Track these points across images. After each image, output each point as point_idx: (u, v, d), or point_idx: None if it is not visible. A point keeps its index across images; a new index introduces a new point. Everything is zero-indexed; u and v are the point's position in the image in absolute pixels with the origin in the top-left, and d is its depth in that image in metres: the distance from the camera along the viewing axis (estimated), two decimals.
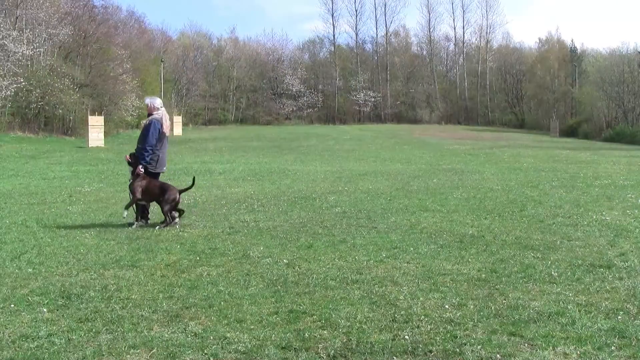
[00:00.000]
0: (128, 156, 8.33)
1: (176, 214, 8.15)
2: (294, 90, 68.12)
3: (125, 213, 8.01)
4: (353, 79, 70.87)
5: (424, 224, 7.98)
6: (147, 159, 8.08)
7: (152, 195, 8.05)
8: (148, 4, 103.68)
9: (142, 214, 8.18)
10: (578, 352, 3.66)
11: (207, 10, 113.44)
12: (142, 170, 8.03)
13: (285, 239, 7.04)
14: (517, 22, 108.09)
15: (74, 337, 3.92)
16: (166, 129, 8.30)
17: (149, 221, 8.19)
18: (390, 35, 75.95)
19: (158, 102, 8.50)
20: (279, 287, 5.06)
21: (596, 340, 3.82)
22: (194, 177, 9.48)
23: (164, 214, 7.97)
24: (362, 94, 69.06)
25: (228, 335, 3.95)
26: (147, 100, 8.50)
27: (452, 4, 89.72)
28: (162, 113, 8.36)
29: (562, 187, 12.44)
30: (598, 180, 13.80)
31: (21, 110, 30.34)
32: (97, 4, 44.91)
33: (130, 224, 7.93)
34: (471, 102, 73.95)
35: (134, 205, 8.09)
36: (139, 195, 7.96)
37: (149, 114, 8.40)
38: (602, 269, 5.57)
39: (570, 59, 65.32)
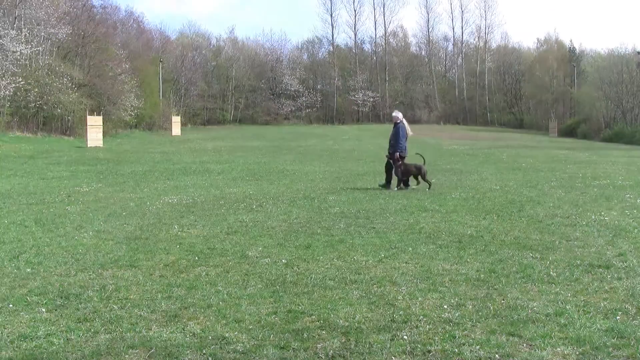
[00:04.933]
0: (388, 154, 12.43)
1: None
2: (293, 90, 68.12)
3: (395, 189, 12.07)
4: (352, 79, 70.89)
5: (422, 224, 7.98)
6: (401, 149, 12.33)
7: (409, 172, 12.23)
8: (147, 3, 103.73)
9: (404, 183, 12.32)
10: (577, 352, 3.66)
11: (206, 10, 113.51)
12: (398, 156, 12.11)
13: (283, 239, 7.03)
14: (515, 22, 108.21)
15: (72, 337, 3.92)
16: (408, 131, 12.60)
17: (408, 187, 12.28)
18: (389, 35, 75.98)
19: (400, 115, 12.65)
20: (278, 287, 5.06)
21: (595, 340, 3.83)
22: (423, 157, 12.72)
23: (425, 181, 12.16)
24: (361, 94, 69.05)
25: (227, 335, 3.95)
26: (395, 114, 12.69)
27: (451, 4, 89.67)
28: (404, 121, 12.57)
29: (560, 187, 12.45)
30: (597, 180, 13.81)
31: (20, 110, 30.28)
32: (96, 4, 45.02)
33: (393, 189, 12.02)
34: (470, 102, 73.97)
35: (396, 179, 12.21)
36: (401, 175, 12.15)
37: (396, 123, 12.48)
38: (600, 269, 5.57)
39: (569, 59, 65.33)
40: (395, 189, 12.10)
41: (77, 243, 6.85)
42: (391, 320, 4.23)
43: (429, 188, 11.92)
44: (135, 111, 39.29)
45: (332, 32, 77.14)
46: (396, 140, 12.38)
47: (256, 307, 4.51)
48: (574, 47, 67.99)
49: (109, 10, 49.23)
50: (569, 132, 50.89)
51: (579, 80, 60.08)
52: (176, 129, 41.92)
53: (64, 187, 12.73)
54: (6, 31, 28.97)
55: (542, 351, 3.67)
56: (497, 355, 3.62)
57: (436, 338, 3.88)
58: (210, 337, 3.91)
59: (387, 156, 12.59)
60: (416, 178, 12.29)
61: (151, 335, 3.96)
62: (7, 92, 27.93)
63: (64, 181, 13.89)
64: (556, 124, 53.05)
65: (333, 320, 4.22)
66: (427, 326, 4.10)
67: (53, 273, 5.51)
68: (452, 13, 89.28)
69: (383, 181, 12.58)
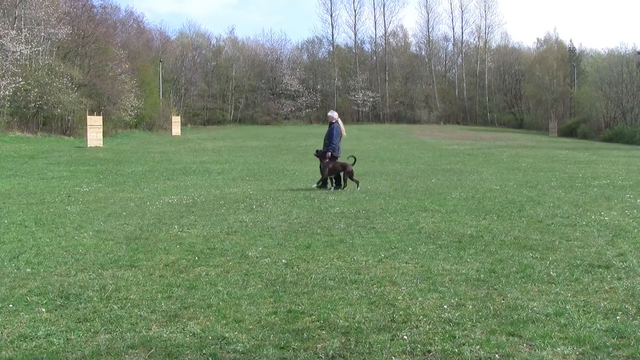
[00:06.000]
0: (316, 152, 12.89)
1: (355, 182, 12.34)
2: (293, 90, 68.09)
3: (315, 185, 12.66)
4: (352, 79, 70.89)
5: (422, 224, 7.98)
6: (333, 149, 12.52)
7: (336, 170, 12.32)
8: (147, 3, 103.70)
9: (336, 182, 12.45)
10: (577, 352, 3.66)
11: (206, 10, 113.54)
12: (330, 155, 12.33)
13: (283, 239, 7.03)
14: (515, 22, 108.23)
15: (72, 337, 3.92)
16: (342, 132, 12.87)
17: (339, 188, 12.31)
18: (389, 35, 75.99)
19: (336, 115, 12.88)
20: (278, 287, 5.06)
21: (595, 340, 3.82)
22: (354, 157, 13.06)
23: (352, 180, 12.28)
24: (361, 94, 69.06)
25: (227, 335, 3.95)
26: (330, 114, 12.94)
27: (451, 4, 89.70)
28: (339, 122, 12.83)
29: (560, 187, 12.45)
30: (597, 180, 13.81)
31: (20, 110, 30.30)
32: (96, 4, 45.05)
33: (328, 189, 12.22)
34: (470, 102, 74.02)
35: (329, 178, 12.45)
36: (327, 174, 12.29)
37: (331, 123, 12.74)
38: (600, 269, 5.57)
39: (569, 59, 65.39)
40: (315, 185, 12.55)
41: (77, 243, 6.85)
42: (391, 320, 4.23)
43: (357, 187, 12.19)
44: (135, 111, 39.30)
45: (332, 32, 77.39)
46: (330, 139, 12.68)
47: (256, 307, 4.51)
48: (573, 47, 68.09)
49: (109, 10, 49.31)
50: (569, 132, 50.94)
51: (579, 80, 60.12)
52: (176, 129, 41.92)
53: (64, 187, 12.74)
54: (6, 31, 28.99)
55: (542, 351, 3.67)
56: (497, 355, 3.61)
57: (436, 338, 3.88)
58: (210, 337, 3.91)
59: (315, 154, 12.95)
60: (344, 179, 12.42)
61: (151, 335, 3.96)
62: (7, 92, 27.95)
63: (64, 181, 13.89)
64: (556, 124, 53.10)
65: (333, 320, 4.22)
66: (427, 326, 4.10)
67: (53, 273, 5.51)
68: (452, 13, 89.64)
69: (339, 185, 12.55)
